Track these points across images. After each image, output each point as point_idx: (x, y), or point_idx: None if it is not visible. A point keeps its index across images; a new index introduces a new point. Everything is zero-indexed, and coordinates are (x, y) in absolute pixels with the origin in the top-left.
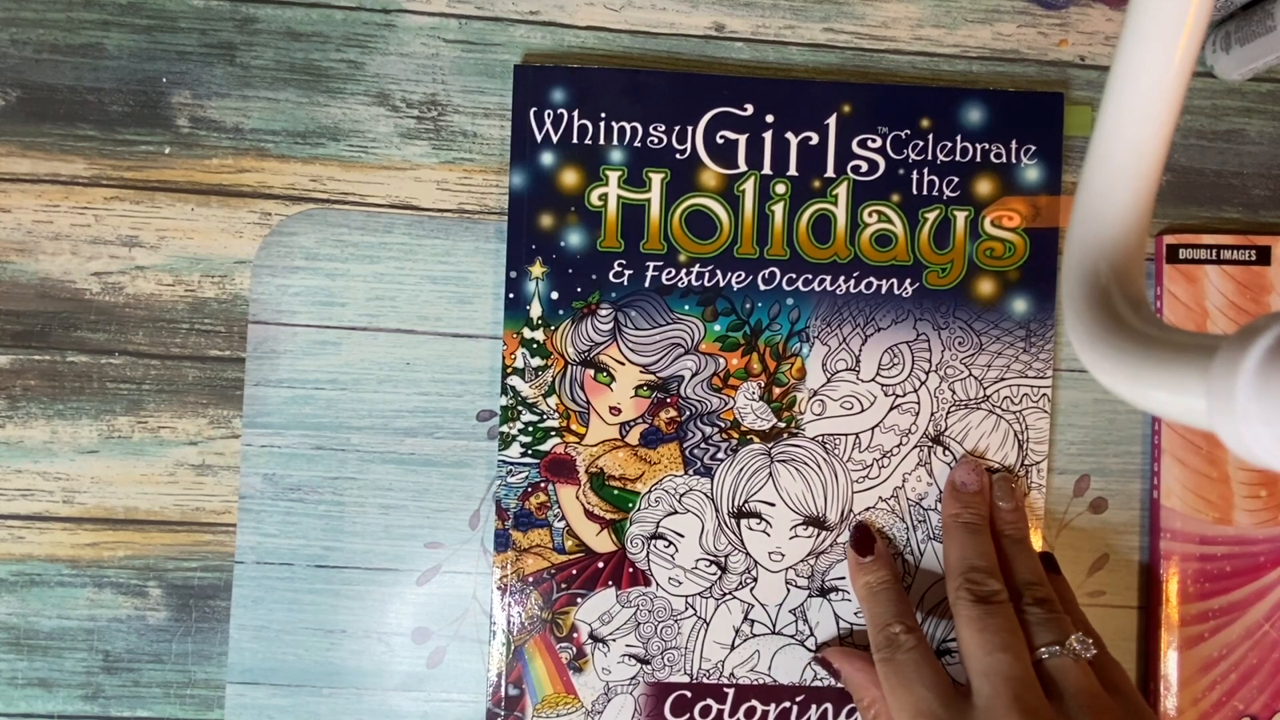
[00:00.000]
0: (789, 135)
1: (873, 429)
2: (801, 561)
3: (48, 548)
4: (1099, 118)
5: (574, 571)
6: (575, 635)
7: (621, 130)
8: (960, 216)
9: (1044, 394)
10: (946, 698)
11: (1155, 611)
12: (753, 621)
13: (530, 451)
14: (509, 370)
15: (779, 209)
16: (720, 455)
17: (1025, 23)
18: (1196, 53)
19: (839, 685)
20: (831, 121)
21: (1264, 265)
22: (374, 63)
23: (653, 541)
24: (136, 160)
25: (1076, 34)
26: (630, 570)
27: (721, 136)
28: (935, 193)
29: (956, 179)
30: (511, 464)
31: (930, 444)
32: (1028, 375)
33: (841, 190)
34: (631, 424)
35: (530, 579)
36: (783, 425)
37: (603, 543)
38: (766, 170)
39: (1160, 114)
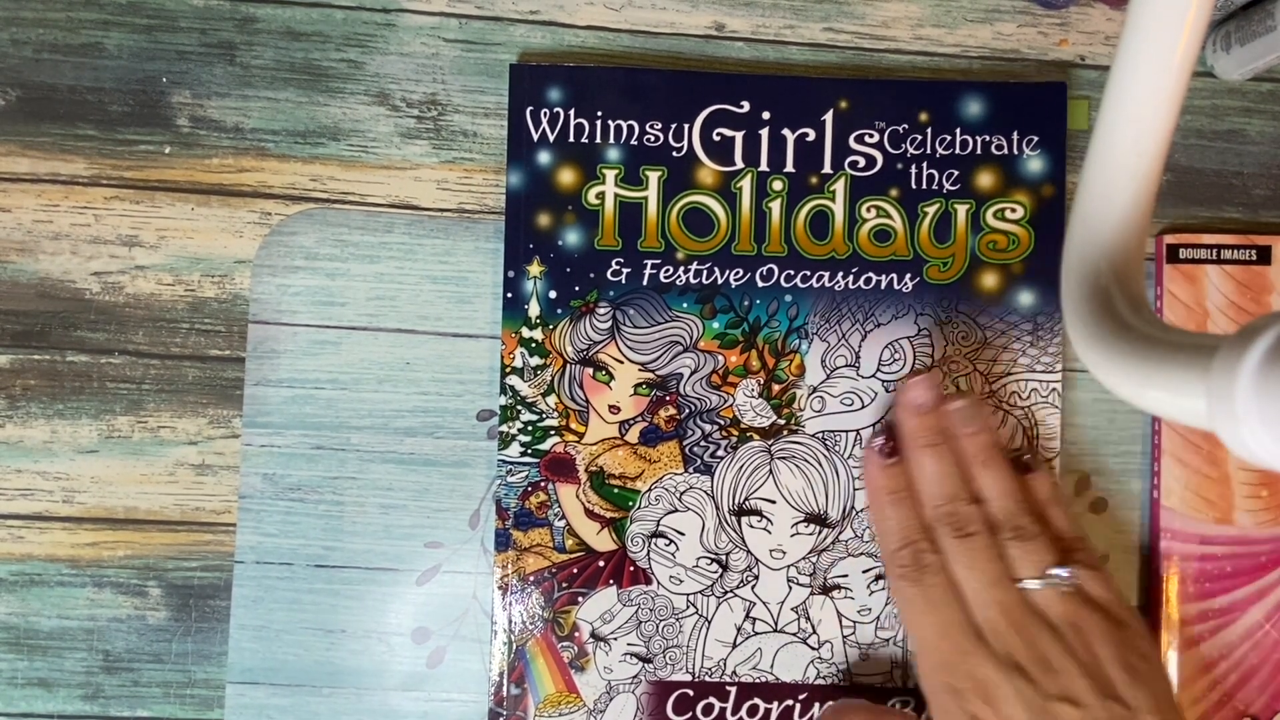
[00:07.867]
0: (785, 132)
1: (874, 425)
2: (803, 559)
3: (48, 547)
4: (1099, 118)
5: (575, 570)
6: (577, 634)
7: (618, 128)
8: (961, 210)
9: (1054, 389)
10: (967, 623)
11: (1155, 611)
12: (754, 620)
13: (530, 451)
14: (508, 370)
15: (776, 206)
16: (720, 453)
17: (1025, 22)
18: (1196, 53)
19: (843, 685)
20: (828, 117)
21: (1264, 265)
22: (374, 62)
23: (653, 540)
24: (136, 160)
25: (1076, 34)
26: (631, 569)
27: (718, 134)
28: (935, 186)
29: (956, 172)
30: (511, 463)
31: None
32: (1035, 370)
33: (839, 186)
34: (631, 422)
35: (531, 578)
36: (782, 422)
37: (603, 541)
38: (763, 167)
39: (1160, 114)
